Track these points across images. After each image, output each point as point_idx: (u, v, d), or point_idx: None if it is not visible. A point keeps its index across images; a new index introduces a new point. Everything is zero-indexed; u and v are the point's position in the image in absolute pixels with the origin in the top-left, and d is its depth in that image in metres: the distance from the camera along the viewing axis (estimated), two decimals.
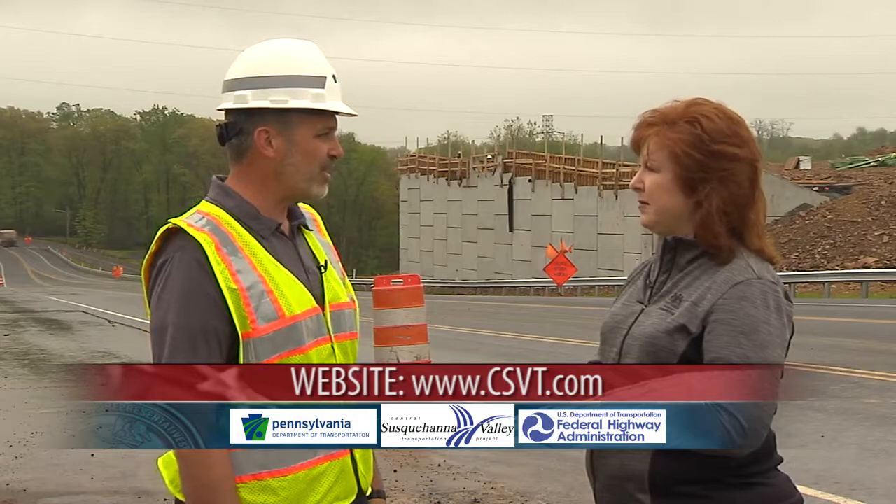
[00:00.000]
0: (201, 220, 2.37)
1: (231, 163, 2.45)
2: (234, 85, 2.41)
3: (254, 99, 2.38)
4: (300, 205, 2.58)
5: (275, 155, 2.40)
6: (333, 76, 2.43)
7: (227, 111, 2.42)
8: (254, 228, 2.39)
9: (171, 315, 2.28)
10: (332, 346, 2.40)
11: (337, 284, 2.50)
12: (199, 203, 2.45)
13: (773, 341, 2.22)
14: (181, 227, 2.33)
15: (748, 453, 2.20)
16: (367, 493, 2.48)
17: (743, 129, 2.36)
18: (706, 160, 2.31)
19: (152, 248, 2.36)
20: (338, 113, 2.43)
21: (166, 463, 2.40)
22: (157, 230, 2.37)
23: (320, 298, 2.42)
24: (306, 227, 2.54)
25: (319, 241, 2.56)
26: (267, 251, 2.38)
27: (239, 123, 2.41)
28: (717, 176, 2.31)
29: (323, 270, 2.47)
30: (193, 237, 2.31)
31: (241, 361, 2.28)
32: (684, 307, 2.29)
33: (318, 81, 2.40)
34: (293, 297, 2.35)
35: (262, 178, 2.41)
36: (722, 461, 2.22)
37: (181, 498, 2.34)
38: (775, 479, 2.32)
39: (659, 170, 2.36)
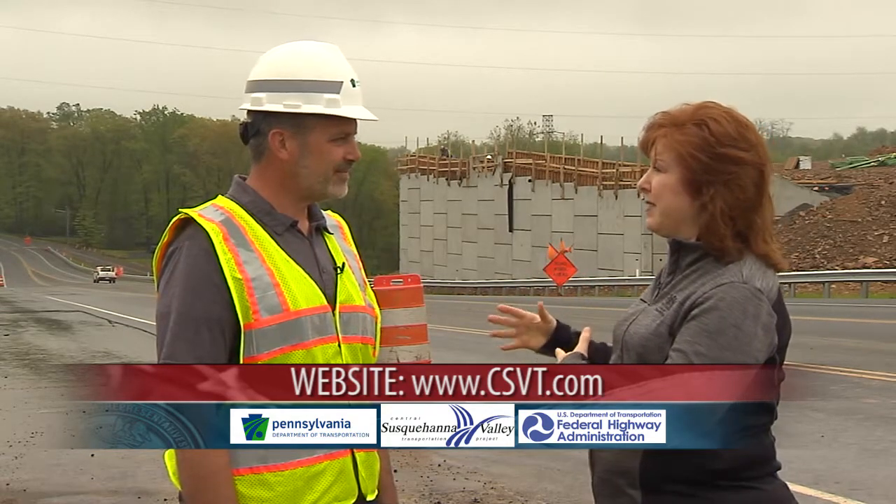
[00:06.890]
0: (215, 212, 2.39)
1: (252, 162, 2.48)
2: (253, 87, 2.43)
3: (268, 102, 2.40)
4: (329, 213, 2.61)
5: (288, 157, 2.41)
6: (353, 80, 2.43)
7: (249, 111, 2.44)
8: (267, 224, 2.41)
9: (176, 302, 2.30)
10: (339, 347, 2.40)
11: (353, 287, 2.50)
12: (215, 198, 2.48)
13: (739, 347, 2.18)
14: (192, 217, 2.36)
15: (741, 457, 2.20)
16: (369, 499, 2.46)
17: (751, 133, 2.35)
18: (712, 163, 2.30)
19: (164, 237, 2.39)
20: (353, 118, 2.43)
21: (170, 454, 2.40)
22: (158, 229, 2.39)
23: (332, 298, 2.43)
24: (326, 230, 2.54)
25: (342, 247, 2.56)
26: (279, 246, 2.39)
27: (257, 124, 2.43)
28: (722, 179, 2.30)
29: (339, 272, 2.48)
30: (203, 227, 2.33)
31: (243, 352, 2.29)
32: (673, 308, 2.29)
33: (334, 86, 2.40)
34: (301, 292, 2.36)
35: (279, 179, 2.43)
36: (712, 462, 2.21)
37: (181, 488, 2.35)
38: (770, 486, 2.29)
39: (666, 170, 2.36)
